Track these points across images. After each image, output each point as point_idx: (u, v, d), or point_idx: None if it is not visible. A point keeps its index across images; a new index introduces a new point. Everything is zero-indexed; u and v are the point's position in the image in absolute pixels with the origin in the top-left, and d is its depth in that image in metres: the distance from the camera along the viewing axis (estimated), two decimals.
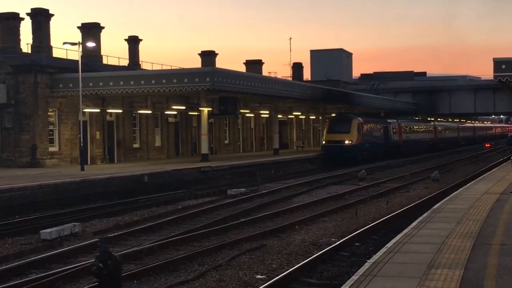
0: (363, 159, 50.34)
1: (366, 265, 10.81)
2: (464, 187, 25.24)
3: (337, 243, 15.95)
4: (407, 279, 9.70)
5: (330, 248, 15.24)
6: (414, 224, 15.24)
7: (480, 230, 14.06)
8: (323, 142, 51.62)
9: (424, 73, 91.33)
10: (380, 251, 12.09)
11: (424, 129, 72.84)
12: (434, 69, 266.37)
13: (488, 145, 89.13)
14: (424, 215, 16.80)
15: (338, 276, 12.86)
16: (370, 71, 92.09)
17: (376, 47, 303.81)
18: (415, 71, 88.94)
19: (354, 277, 9.96)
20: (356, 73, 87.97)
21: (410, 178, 36.32)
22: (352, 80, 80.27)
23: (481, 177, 30.78)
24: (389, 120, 60.66)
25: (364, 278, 9.83)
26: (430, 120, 78.22)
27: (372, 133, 54.44)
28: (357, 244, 16.33)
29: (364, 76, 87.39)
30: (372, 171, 42.63)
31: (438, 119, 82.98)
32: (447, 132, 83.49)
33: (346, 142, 49.52)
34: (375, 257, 11.52)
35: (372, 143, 53.88)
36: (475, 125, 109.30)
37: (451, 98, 74.99)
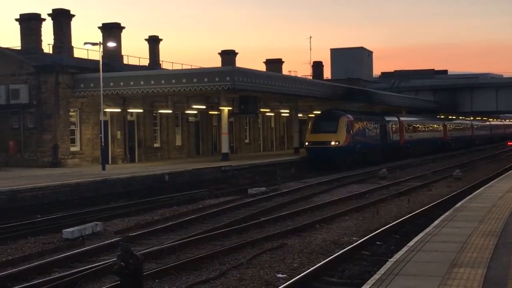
0: (354, 162, 44.70)
1: (388, 264, 10.75)
2: (487, 185, 25.02)
3: (358, 242, 15.90)
4: (429, 278, 9.63)
5: (351, 247, 15.20)
6: (436, 222, 15.14)
7: (503, 228, 13.92)
8: (306, 143, 45.26)
9: (445, 71, 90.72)
10: (402, 250, 12.02)
11: (431, 127, 65.64)
12: (455, 67, 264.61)
13: (510, 143, 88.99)
14: (446, 213, 16.68)
15: (359, 275, 12.82)
16: (391, 69, 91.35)
17: (397, 45, 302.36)
18: (436, 69, 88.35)
19: (376, 276, 9.91)
20: (376, 71, 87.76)
21: (431, 177, 36.11)
22: (372, 79, 79.95)
23: (503, 175, 30.50)
24: (387, 118, 53.34)
25: (386, 277, 9.77)
26: (439, 117, 73.90)
27: (365, 133, 47.71)
28: (379, 243, 16.26)
29: (384, 75, 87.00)
30: (393, 170, 42.42)
31: (460, 117, 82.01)
32: (459, 130, 77.55)
33: (332, 143, 43.26)
34: (397, 256, 11.45)
35: (365, 144, 47.18)
36: (492, 123, 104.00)
37: (472, 96, 74.31)
